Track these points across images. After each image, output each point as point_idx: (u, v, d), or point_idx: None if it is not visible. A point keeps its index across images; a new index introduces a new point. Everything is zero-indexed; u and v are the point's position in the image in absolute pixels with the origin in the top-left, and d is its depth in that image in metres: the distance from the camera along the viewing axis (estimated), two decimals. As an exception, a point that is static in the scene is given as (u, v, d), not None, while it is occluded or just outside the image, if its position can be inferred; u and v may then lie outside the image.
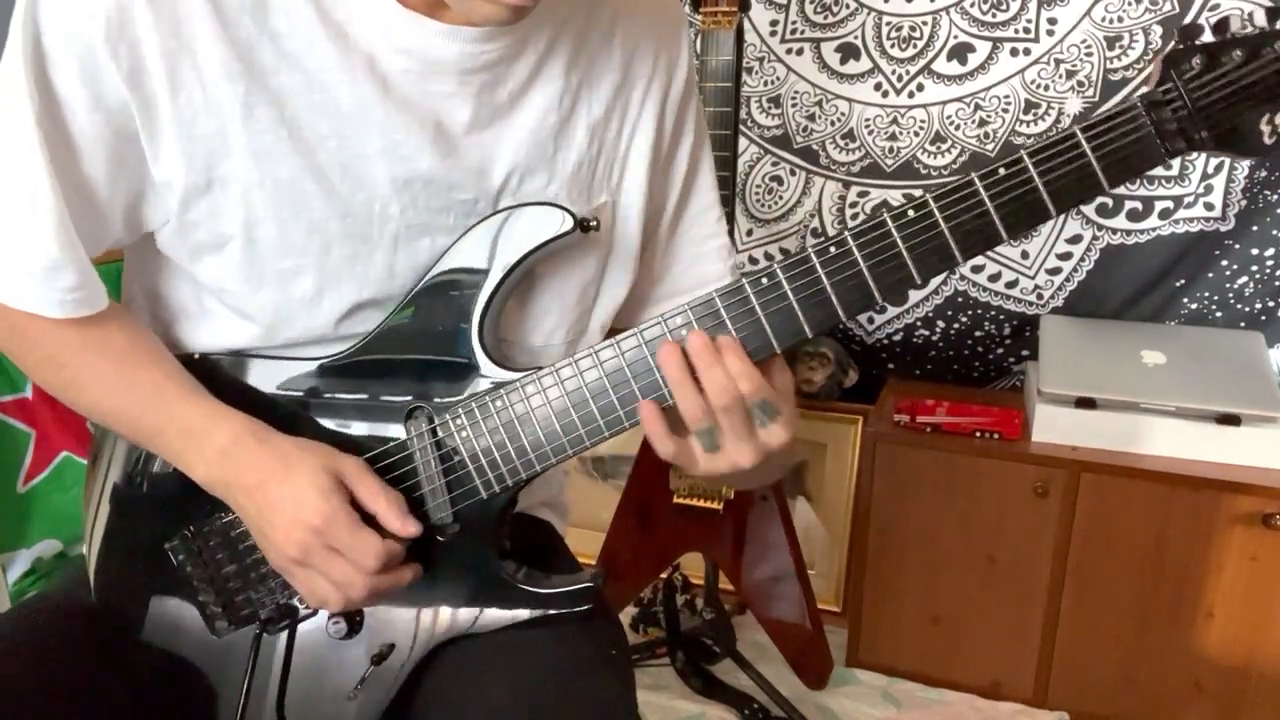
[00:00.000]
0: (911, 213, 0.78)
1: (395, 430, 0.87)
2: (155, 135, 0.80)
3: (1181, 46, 0.75)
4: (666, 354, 0.80)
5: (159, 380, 0.86)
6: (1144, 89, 0.76)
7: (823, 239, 0.79)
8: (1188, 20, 1.91)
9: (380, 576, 0.82)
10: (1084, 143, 0.76)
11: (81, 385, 0.87)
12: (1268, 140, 0.75)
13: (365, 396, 0.88)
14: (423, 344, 0.88)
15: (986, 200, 0.77)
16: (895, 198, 2.26)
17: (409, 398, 0.87)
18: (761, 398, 0.79)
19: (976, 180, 0.77)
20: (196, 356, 0.90)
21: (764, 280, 0.80)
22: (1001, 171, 0.77)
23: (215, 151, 0.81)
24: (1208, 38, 0.75)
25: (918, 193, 0.78)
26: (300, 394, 0.89)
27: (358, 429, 0.88)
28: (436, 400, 0.87)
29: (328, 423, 0.89)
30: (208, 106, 0.80)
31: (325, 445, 0.85)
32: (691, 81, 1.01)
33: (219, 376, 0.89)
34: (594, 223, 0.87)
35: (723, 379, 0.78)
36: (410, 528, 0.83)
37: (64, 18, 0.76)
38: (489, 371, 0.86)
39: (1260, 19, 0.74)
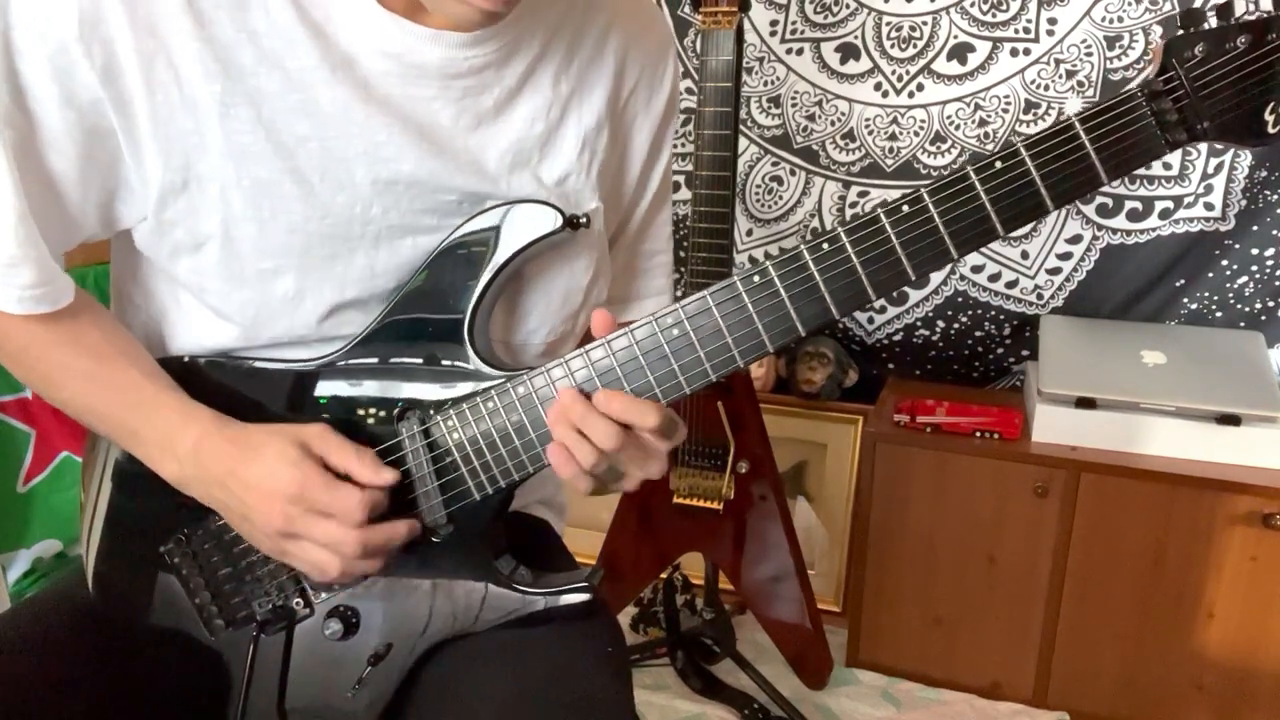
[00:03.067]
0: (906, 208, 0.77)
1: (387, 432, 0.87)
2: (132, 133, 0.80)
3: (1184, 33, 0.73)
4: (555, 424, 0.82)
5: (135, 379, 0.86)
6: (1144, 76, 0.75)
7: (816, 236, 0.78)
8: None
9: (371, 530, 0.82)
10: (1082, 134, 0.75)
11: (57, 381, 0.87)
12: (1271, 130, 0.73)
13: (356, 397, 0.88)
14: (414, 344, 0.87)
15: (982, 194, 0.76)
16: (895, 198, 2.25)
17: (400, 398, 0.87)
18: (664, 421, 0.81)
19: (972, 174, 0.76)
20: (186, 359, 0.90)
21: (756, 278, 0.80)
22: (997, 165, 0.76)
23: (192, 150, 0.80)
24: (1211, 24, 0.73)
25: (913, 192, 0.77)
26: (290, 397, 0.89)
27: (349, 430, 0.87)
28: (428, 401, 0.87)
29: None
30: (184, 105, 0.79)
31: (286, 424, 0.85)
32: (674, 103, 1.02)
33: (205, 380, 0.89)
34: (583, 219, 0.87)
35: (605, 427, 0.80)
36: (385, 475, 0.82)
37: (36, 14, 0.76)
38: (480, 371, 0.86)
39: (1266, 3, 0.72)
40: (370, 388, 0.88)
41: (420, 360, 0.87)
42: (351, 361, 0.88)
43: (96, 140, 0.80)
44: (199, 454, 0.83)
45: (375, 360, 0.88)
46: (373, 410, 0.87)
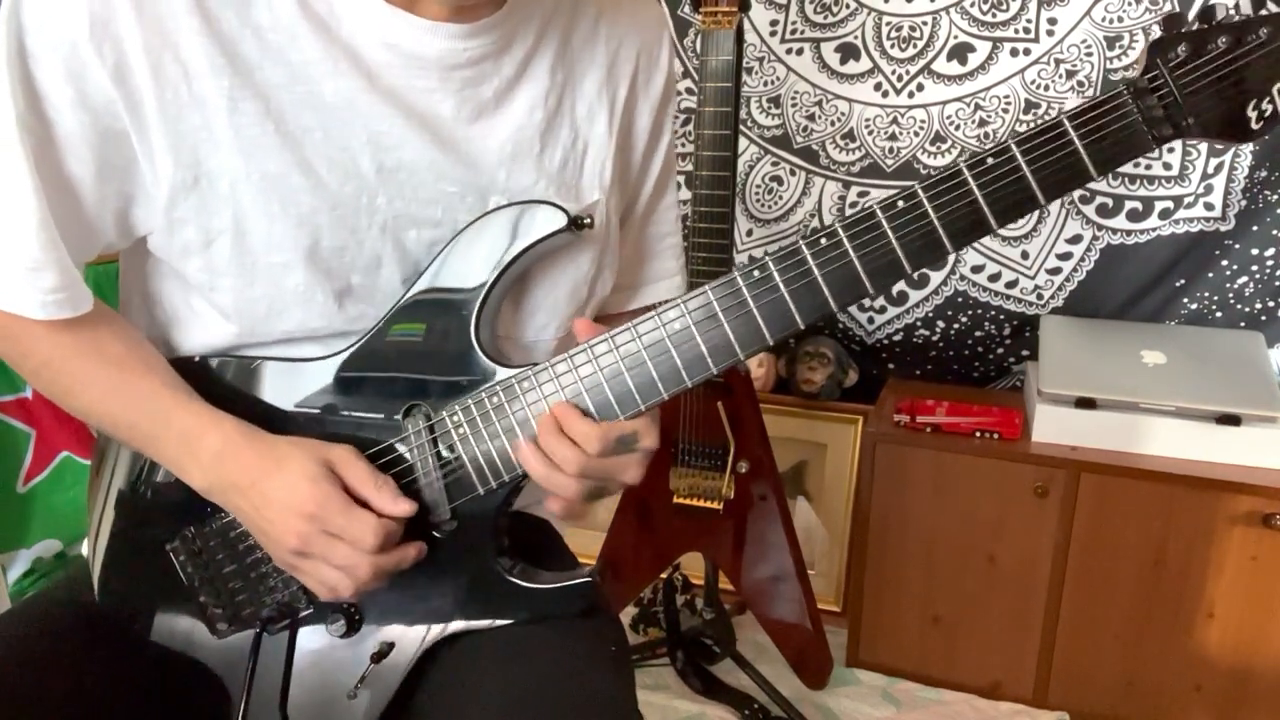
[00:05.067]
0: (901, 203, 0.79)
1: (393, 429, 0.87)
2: (144, 132, 0.80)
3: (1167, 34, 0.76)
4: (525, 456, 0.84)
5: (155, 387, 0.86)
6: (1130, 74, 0.77)
7: (815, 231, 0.79)
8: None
9: (382, 556, 0.83)
10: (1071, 131, 0.77)
11: (77, 391, 0.87)
12: (1254, 126, 0.76)
13: (363, 395, 0.88)
14: (420, 342, 0.88)
15: (975, 189, 0.78)
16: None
17: (406, 396, 0.87)
18: (614, 439, 0.83)
19: (965, 170, 0.78)
20: (196, 360, 0.90)
21: (755, 273, 0.81)
22: (989, 161, 0.78)
23: (201, 146, 0.81)
24: (1193, 25, 0.76)
25: (908, 188, 0.78)
26: (298, 394, 0.89)
27: (355, 428, 0.88)
28: (434, 398, 0.87)
29: (326, 422, 0.89)
30: (193, 101, 0.80)
31: (315, 439, 0.85)
32: (672, 84, 1.03)
33: (216, 379, 0.89)
34: (587, 220, 0.88)
35: (568, 451, 0.82)
36: (402, 506, 0.83)
37: (47, 16, 0.76)
38: (486, 369, 0.86)
39: (1246, 7, 0.74)
40: (377, 384, 0.88)
41: (426, 358, 0.87)
42: (358, 358, 0.88)
43: (111, 143, 0.80)
44: (222, 461, 0.84)
45: (382, 356, 0.88)
46: (379, 407, 0.88)
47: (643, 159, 1.02)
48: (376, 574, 0.84)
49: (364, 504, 0.83)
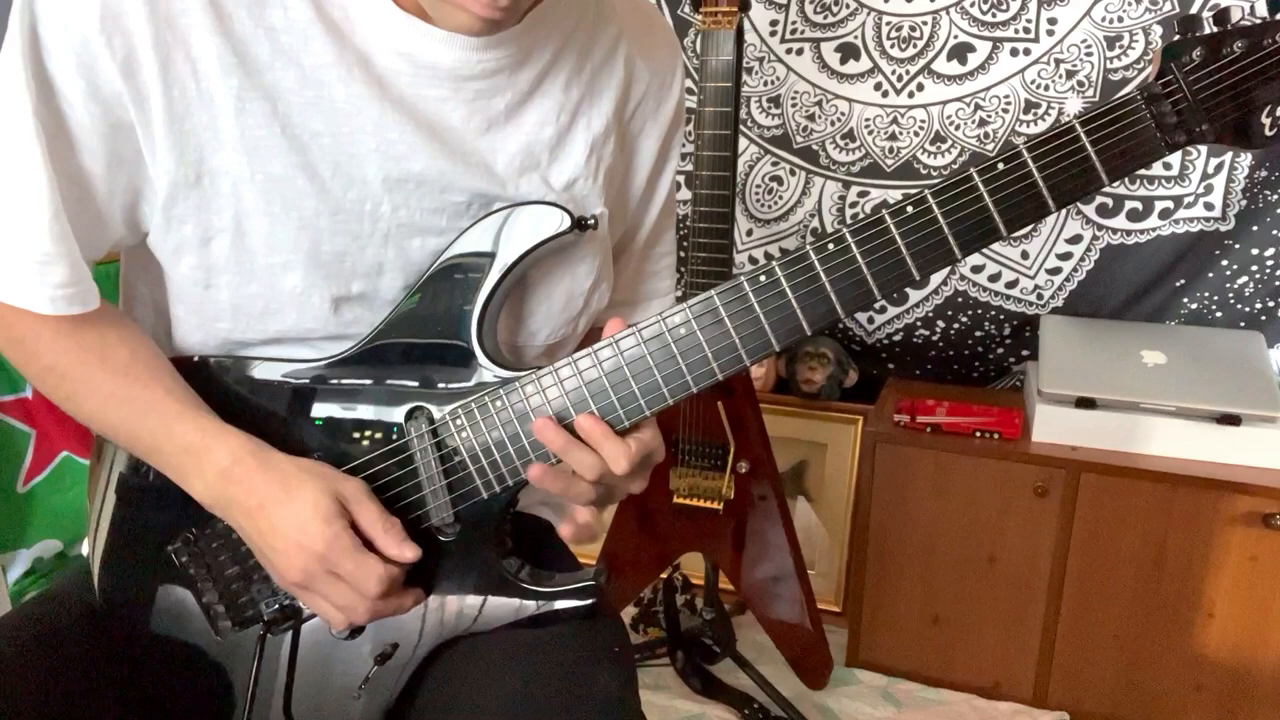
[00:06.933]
0: (910, 209, 0.78)
1: (395, 431, 0.87)
2: (148, 127, 0.80)
3: (1182, 38, 0.74)
4: (540, 478, 0.85)
5: (159, 396, 0.85)
6: (1143, 79, 0.76)
7: (822, 237, 0.79)
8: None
9: (382, 601, 0.83)
10: (1083, 136, 0.75)
11: (81, 398, 0.86)
12: (1268, 133, 0.74)
13: (365, 397, 0.88)
14: (422, 344, 0.87)
15: (985, 196, 0.76)
16: (895, 198, 2.24)
17: (409, 397, 0.87)
18: (639, 457, 0.84)
19: (975, 175, 0.77)
20: (196, 359, 0.90)
21: (762, 278, 0.80)
22: (1000, 166, 0.76)
23: (206, 145, 0.81)
24: (1209, 29, 0.74)
25: (917, 193, 0.78)
26: (299, 395, 0.89)
27: (357, 430, 0.88)
28: (436, 400, 0.87)
29: (327, 423, 0.89)
30: (200, 99, 0.80)
31: (326, 467, 0.85)
32: (681, 110, 1.03)
33: (217, 379, 0.89)
34: (591, 221, 0.88)
35: (590, 460, 0.83)
36: (408, 553, 0.83)
37: (60, 8, 0.76)
38: (488, 371, 0.86)
39: (1262, 9, 0.73)
40: (379, 388, 0.88)
41: (429, 360, 0.87)
42: (359, 359, 0.88)
43: (120, 136, 0.80)
44: (229, 480, 0.83)
45: (384, 360, 0.88)
46: (381, 410, 0.88)
47: (648, 182, 1.01)
48: (373, 618, 0.84)
49: (369, 543, 0.83)
